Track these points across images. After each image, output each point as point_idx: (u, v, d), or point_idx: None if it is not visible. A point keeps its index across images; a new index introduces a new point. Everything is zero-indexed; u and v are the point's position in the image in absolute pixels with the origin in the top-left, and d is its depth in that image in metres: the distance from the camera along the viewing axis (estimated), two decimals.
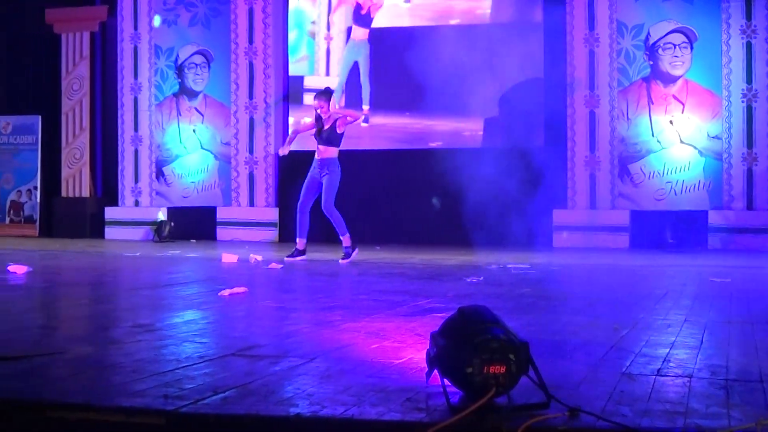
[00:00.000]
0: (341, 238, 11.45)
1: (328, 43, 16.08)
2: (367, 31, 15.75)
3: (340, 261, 11.21)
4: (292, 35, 16.33)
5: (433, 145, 15.37)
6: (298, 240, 11.52)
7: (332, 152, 11.46)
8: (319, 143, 11.50)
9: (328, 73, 15.98)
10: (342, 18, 16.01)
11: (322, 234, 12.35)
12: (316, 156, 11.53)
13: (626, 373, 3.90)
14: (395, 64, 15.24)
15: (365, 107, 15.60)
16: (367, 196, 15.40)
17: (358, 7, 15.81)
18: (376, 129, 15.72)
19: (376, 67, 15.70)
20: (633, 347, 4.58)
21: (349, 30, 15.95)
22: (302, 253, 11.47)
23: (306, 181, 11.61)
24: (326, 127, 11.45)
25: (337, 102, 15.56)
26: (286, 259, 11.32)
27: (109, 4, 17.83)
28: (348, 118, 11.60)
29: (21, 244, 15.24)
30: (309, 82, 16.07)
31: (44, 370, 3.96)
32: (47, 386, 3.65)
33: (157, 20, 17.30)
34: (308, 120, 12.40)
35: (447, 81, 14.73)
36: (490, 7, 15.45)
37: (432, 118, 15.36)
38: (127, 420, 3.21)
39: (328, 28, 16.10)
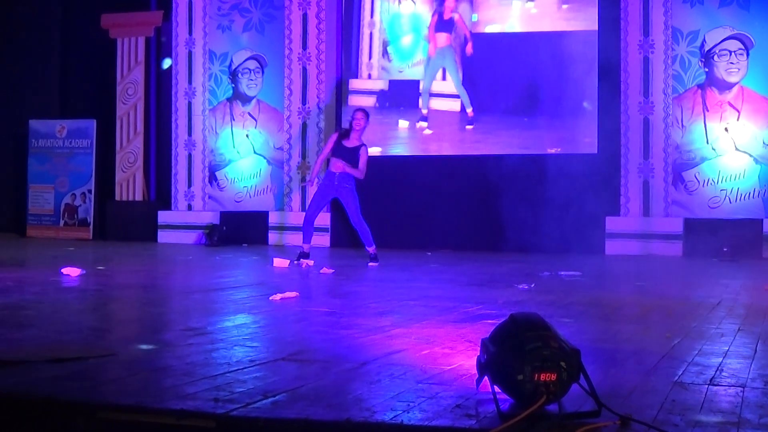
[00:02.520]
0: (368, 249, 11.80)
1: None
2: (449, 35, 15.69)
3: (369, 264, 11.53)
4: (407, 39, 16.28)
5: (548, 151, 15.29)
6: (304, 245, 11.95)
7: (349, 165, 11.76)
8: (338, 156, 11.79)
9: (444, 78, 15.92)
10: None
11: (376, 239, 12.32)
12: (331, 168, 11.82)
13: (678, 383, 3.86)
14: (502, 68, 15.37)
15: (469, 110, 15.56)
16: (414, 201, 15.41)
17: (440, 15, 15.80)
18: (479, 134, 15.67)
19: (486, 72, 15.63)
20: (685, 356, 4.54)
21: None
22: (307, 255, 11.81)
23: (318, 194, 12.14)
24: (352, 145, 11.73)
25: (425, 105, 15.81)
26: (296, 262, 11.53)
27: (164, 10, 17.97)
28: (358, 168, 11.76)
29: (75, 246, 15.38)
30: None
31: (96, 372, 3.99)
32: (99, 388, 3.68)
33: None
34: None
35: (518, 85, 14.92)
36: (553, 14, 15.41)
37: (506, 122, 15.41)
38: (178, 422, 3.22)
39: None
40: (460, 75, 15.60)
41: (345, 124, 14.01)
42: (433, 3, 15.98)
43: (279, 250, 14.08)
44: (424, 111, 15.81)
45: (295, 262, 11.49)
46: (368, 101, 16.11)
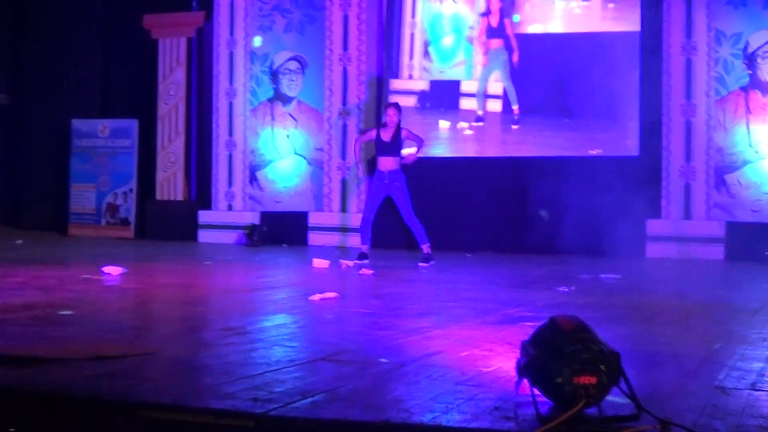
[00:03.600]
0: (422, 246, 11.88)
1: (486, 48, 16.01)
2: (502, 40, 15.63)
3: (420, 264, 11.60)
4: (449, 40, 16.23)
5: (590, 153, 15.22)
6: (363, 246, 12.03)
7: (397, 162, 11.99)
8: (382, 154, 11.98)
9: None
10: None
11: (411, 241, 12.34)
12: (380, 168, 11.95)
13: (719, 387, 3.83)
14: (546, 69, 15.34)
15: (514, 107, 15.50)
16: (454, 202, 15.38)
17: (489, 22, 15.73)
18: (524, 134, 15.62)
19: (529, 72, 15.58)
20: (726, 360, 4.51)
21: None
22: (366, 256, 11.85)
23: (371, 194, 12.23)
24: (391, 138, 11.92)
25: (480, 107, 15.68)
26: (356, 262, 11.57)
27: (206, 10, 18.04)
28: (414, 142, 12.25)
29: (116, 245, 15.48)
30: (466, 86, 15.95)
31: (136, 371, 4.01)
32: (139, 386, 3.70)
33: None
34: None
35: (552, 87, 14.93)
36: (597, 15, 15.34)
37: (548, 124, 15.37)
38: (217, 422, 3.24)
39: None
40: (509, 73, 15.57)
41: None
42: (475, 4, 15.95)
43: (318, 251, 14.06)
44: (480, 112, 15.72)
45: (356, 261, 11.53)
46: (409, 101, 16.06)
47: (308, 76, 17.00)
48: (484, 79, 15.71)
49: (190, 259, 12.91)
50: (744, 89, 14.16)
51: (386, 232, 15.34)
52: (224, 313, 6.65)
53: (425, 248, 11.78)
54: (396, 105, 12.44)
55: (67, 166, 18.84)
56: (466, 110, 15.82)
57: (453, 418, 3.21)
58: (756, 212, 13.98)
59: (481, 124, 15.70)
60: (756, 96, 14.08)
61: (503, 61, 15.54)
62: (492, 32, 15.69)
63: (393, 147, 11.93)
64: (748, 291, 9.04)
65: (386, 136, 11.94)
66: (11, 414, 3.49)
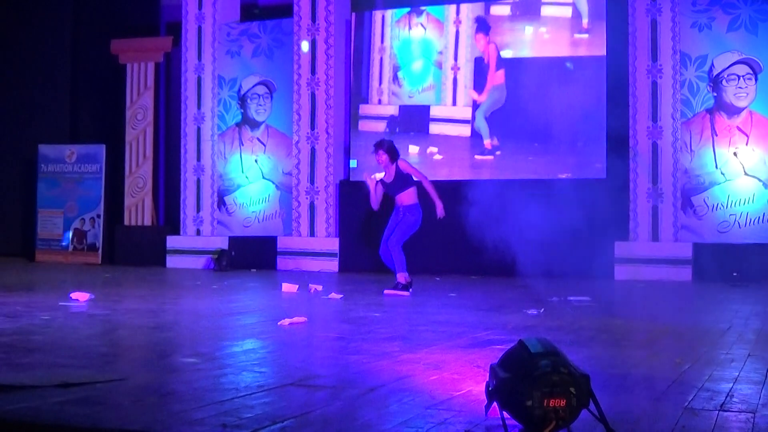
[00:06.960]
0: (397, 273, 11.25)
1: (455, 73, 16.05)
2: (503, 70, 15.70)
3: (386, 291, 11.07)
4: (418, 65, 16.32)
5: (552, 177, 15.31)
6: (398, 274, 11.29)
7: (411, 196, 11.35)
8: (394, 194, 11.37)
9: (454, 103, 15.94)
10: (467, 49, 15.96)
11: (381, 264, 12.32)
12: (397, 203, 11.40)
13: (688, 408, 3.84)
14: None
15: (486, 141, 15.58)
16: (424, 226, 15.33)
17: (481, 59, 15.84)
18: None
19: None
20: (695, 382, 4.52)
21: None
22: (406, 287, 11.18)
23: (387, 227, 11.51)
24: (392, 179, 11.33)
25: (488, 136, 15.71)
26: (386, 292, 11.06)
27: (174, 35, 18.04)
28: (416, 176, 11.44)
29: (84, 271, 15.39)
30: (435, 111, 16.04)
31: (104, 397, 3.98)
32: (107, 413, 3.67)
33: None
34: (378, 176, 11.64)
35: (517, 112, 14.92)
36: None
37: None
38: None
39: (455, 59, 16.06)
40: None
41: (355, 149, 13.99)
42: (443, 30, 16.02)
43: (287, 276, 14.03)
44: (487, 141, 15.71)
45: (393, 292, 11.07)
46: (378, 126, 16.13)
47: (276, 100, 17.03)
48: (482, 112, 15.72)
49: (158, 285, 12.84)
50: (709, 111, 14.28)
51: (355, 256, 15.37)
52: (193, 338, 6.61)
53: (400, 276, 11.21)
54: (377, 144, 11.58)
55: (34, 192, 18.76)
56: (435, 135, 15.89)
57: None
58: (723, 233, 14.08)
59: (435, 149, 15.81)
60: (721, 118, 14.20)
61: (499, 99, 15.57)
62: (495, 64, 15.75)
63: (400, 182, 11.26)
64: (717, 312, 9.07)
65: (387, 177, 11.34)
66: None
